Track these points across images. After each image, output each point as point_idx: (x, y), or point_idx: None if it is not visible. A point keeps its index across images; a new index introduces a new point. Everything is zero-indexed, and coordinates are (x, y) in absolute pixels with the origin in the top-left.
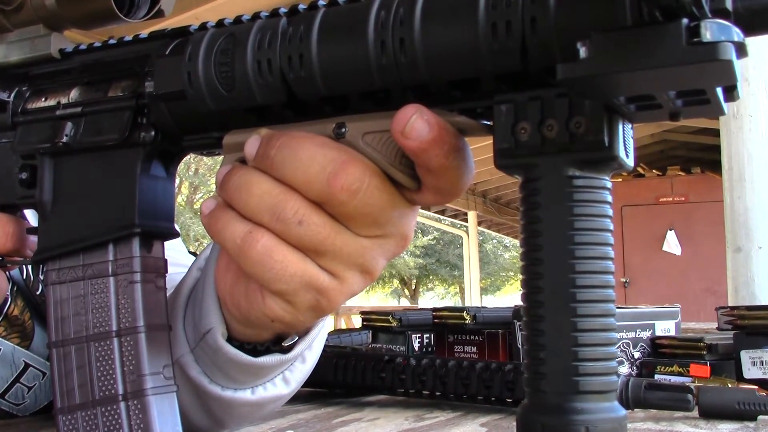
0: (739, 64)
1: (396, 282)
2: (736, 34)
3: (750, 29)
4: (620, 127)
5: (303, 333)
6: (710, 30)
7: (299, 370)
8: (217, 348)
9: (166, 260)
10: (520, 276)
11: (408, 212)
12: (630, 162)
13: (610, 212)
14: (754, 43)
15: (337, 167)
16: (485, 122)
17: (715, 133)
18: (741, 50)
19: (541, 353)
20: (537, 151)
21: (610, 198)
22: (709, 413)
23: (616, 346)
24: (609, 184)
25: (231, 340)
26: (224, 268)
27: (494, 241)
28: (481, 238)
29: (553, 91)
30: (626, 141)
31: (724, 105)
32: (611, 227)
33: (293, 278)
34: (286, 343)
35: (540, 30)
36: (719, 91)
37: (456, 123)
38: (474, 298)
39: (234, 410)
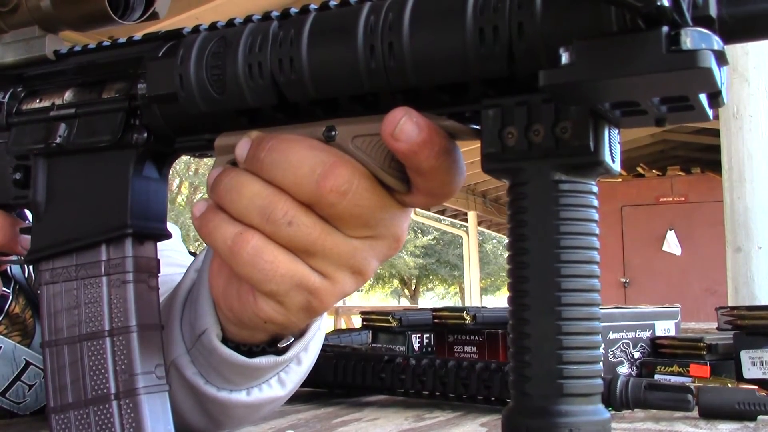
0: (721, 72)
1: (396, 282)
2: (716, 42)
3: (736, 37)
4: (606, 132)
5: (298, 335)
6: (690, 38)
7: (295, 372)
8: (212, 349)
9: (158, 260)
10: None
11: (399, 214)
12: (616, 167)
13: (596, 216)
14: (754, 43)
15: (326, 169)
16: (474, 126)
17: (715, 133)
18: (721, 58)
19: (526, 356)
20: (523, 155)
21: (596, 202)
22: (709, 413)
23: (616, 346)
24: (595, 189)
25: (227, 341)
26: (217, 270)
27: (494, 241)
28: (481, 238)
29: (539, 96)
30: (612, 146)
31: (709, 111)
32: (597, 231)
33: (284, 279)
34: (281, 345)
35: (526, 36)
36: (703, 97)
37: (445, 127)
38: (474, 298)
39: (230, 411)
